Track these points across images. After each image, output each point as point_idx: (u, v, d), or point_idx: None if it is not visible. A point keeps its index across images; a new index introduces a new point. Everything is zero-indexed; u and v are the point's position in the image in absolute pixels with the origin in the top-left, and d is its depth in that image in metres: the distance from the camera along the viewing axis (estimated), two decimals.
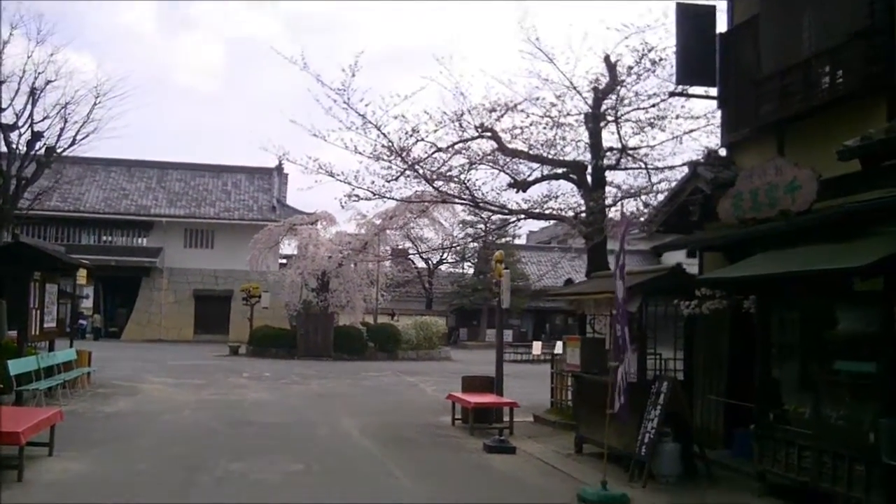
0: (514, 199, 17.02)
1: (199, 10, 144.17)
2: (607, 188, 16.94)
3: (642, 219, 15.17)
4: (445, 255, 63.23)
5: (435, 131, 16.14)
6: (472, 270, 63.58)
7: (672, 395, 11.11)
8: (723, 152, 13.85)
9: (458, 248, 60.00)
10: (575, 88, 16.29)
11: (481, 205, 16.89)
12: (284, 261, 44.76)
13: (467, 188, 16.38)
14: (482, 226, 56.79)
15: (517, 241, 60.32)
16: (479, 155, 16.57)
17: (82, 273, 21.62)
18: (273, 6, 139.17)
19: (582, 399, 13.34)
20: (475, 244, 60.24)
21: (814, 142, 11.54)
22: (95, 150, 46.79)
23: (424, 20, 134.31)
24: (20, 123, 21.86)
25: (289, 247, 43.11)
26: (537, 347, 37.78)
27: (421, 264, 62.61)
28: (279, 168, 51.42)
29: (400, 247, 46.33)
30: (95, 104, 23.48)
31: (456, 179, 16.33)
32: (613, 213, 16.25)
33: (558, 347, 38.06)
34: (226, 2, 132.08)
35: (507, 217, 17.38)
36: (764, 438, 10.29)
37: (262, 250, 39.70)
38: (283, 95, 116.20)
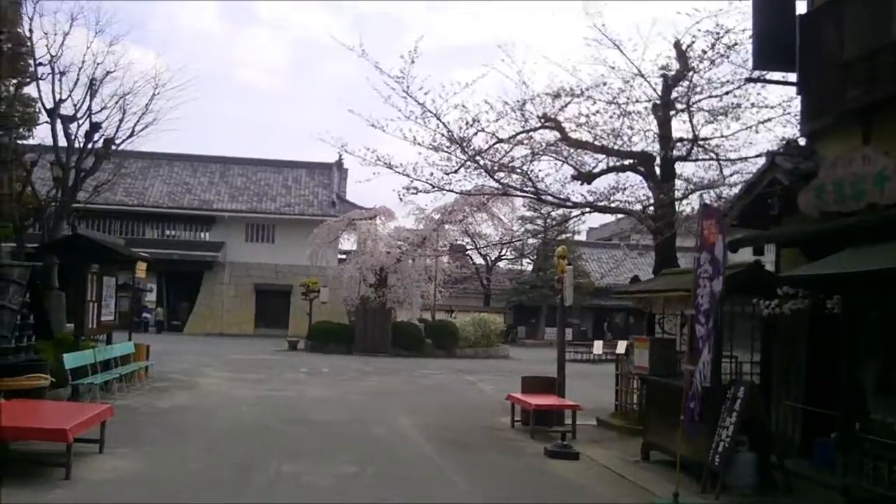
0: (578, 191, 16.34)
1: (264, 9, 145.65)
2: (676, 181, 16.13)
3: None
4: (504, 251, 62.58)
5: (496, 121, 15.54)
6: (530, 267, 62.89)
7: (749, 400, 10.34)
8: (802, 142, 12.98)
9: (517, 244, 59.33)
10: (643, 76, 15.55)
11: (544, 197, 16.18)
12: (344, 256, 44.56)
13: (530, 180, 15.70)
14: (541, 221, 56.17)
15: (577, 238, 59.36)
16: (541, 145, 15.90)
17: (141, 266, 21.56)
18: (337, 7, 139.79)
19: (650, 403, 12.61)
20: (534, 240, 59.56)
21: None
22: (156, 142, 47.24)
23: (488, 15, 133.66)
24: (78, 115, 21.72)
25: (348, 242, 42.97)
26: (598, 347, 36.82)
27: (479, 260, 62.11)
28: (339, 163, 51.28)
29: (458, 242, 45.73)
30: (154, 94, 23.24)
31: (518, 171, 15.69)
32: (683, 207, 15.49)
33: (620, 347, 37.07)
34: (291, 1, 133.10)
35: (571, 210, 16.66)
36: (849, 450, 9.46)
37: (322, 245, 39.49)
38: (342, 93, 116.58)
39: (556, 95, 15.35)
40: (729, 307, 11.76)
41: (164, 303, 48.82)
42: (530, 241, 60.98)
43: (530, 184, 15.70)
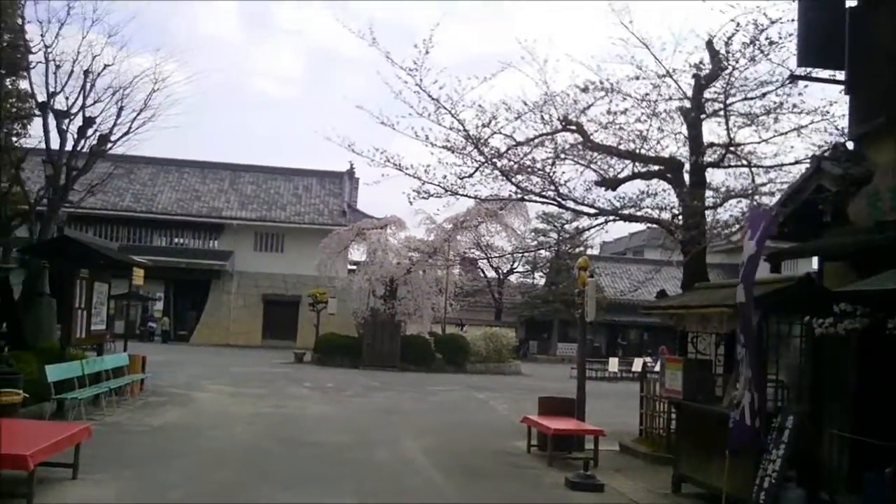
0: (603, 196, 15.10)
1: (281, 18, 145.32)
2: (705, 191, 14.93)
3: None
4: (516, 264, 61.57)
5: (516, 119, 14.41)
6: (543, 281, 61.83)
7: (798, 431, 9.11)
8: (850, 146, 11.77)
9: (530, 256, 58.22)
10: (671, 76, 14.35)
11: (566, 203, 14.93)
12: (353, 267, 43.51)
13: (552, 182, 14.51)
14: (555, 234, 55.06)
15: (590, 252, 58.18)
16: (563, 147, 14.78)
17: (138, 273, 20.34)
18: (355, 16, 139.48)
19: (683, 431, 11.39)
20: (547, 253, 58.48)
21: None
22: (165, 148, 45.83)
23: (507, 23, 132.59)
24: (72, 110, 20.41)
25: (358, 252, 41.84)
26: (613, 364, 35.52)
27: (491, 273, 61.07)
28: (350, 172, 50.51)
29: (470, 253, 44.59)
30: (154, 90, 21.90)
31: (539, 172, 14.50)
32: (719, 215, 14.37)
33: (637, 364, 36.01)
34: (308, 10, 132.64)
35: (592, 220, 15.36)
36: None
37: (331, 255, 38.47)
38: (353, 99, 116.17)
39: (584, 89, 14.18)
40: (776, 326, 10.52)
41: (171, 312, 47.89)
42: (543, 254, 60.01)
43: (552, 188, 14.50)
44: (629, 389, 27.77)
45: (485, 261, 55.18)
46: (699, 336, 11.85)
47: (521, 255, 54.52)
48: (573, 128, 14.96)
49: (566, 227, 55.47)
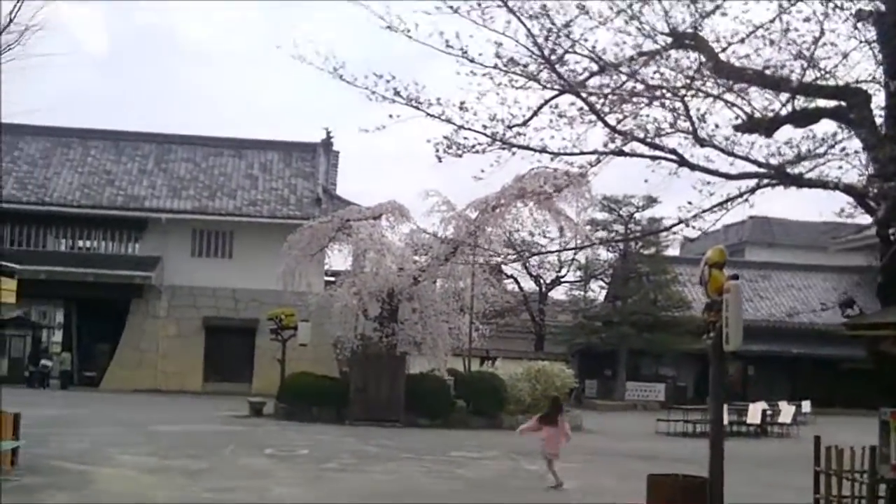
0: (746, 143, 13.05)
1: None
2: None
3: None
4: (564, 270, 60.04)
5: (603, 23, 12.28)
6: (602, 295, 60.38)
7: None
8: None
9: (583, 258, 56.55)
10: None
11: (697, 158, 12.77)
12: (333, 278, 41.83)
13: (688, 116, 12.29)
14: (621, 226, 53.34)
15: (668, 252, 56.83)
16: (680, 70, 12.74)
17: (8, 285, 18.23)
18: None
19: None
20: (609, 254, 56.93)
21: None
22: (51, 106, 44.57)
23: None
24: None
25: (340, 255, 40.18)
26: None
27: (528, 285, 59.61)
28: (327, 143, 50.13)
29: (502, 254, 42.75)
30: None
31: (665, 98, 12.32)
32: None
33: (753, 413, 34.05)
34: None
35: (756, 181, 13.17)
36: None
37: (301, 259, 36.87)
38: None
39: None
40: None
41: (74, 345, 47.26)
42: (602, 256, 58.41)
43: (689, 123, 12.29)
44: (753, 451, 25.88)
45: (521, 266, 53.82)
46: None
47: (574, 254, 53.06)
48: (690, 42, 12.93)
49: (636, 215, 54.11)
